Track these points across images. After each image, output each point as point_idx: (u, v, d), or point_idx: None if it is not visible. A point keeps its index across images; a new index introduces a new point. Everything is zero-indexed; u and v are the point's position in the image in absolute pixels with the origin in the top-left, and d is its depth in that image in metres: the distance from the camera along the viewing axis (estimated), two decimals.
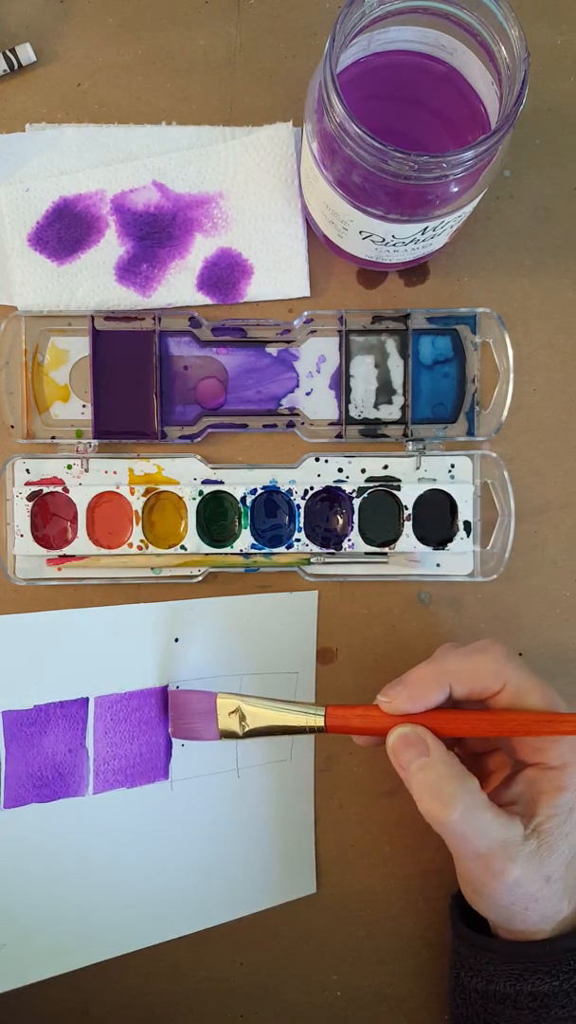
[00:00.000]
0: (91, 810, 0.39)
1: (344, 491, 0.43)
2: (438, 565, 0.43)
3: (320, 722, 0.36)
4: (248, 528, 0.43)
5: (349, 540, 0.43)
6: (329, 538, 0.43)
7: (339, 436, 0.43)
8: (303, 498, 0.43)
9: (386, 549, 0.43)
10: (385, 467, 0.43)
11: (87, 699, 0.39)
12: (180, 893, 0.41)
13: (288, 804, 0.43)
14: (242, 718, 0.38)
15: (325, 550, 0.43)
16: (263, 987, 0.44)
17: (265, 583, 0.43)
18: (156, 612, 0.42)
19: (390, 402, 0.43)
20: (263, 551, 0.43)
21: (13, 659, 0.39)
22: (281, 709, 0.37)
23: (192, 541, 0.42)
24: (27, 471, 0.43)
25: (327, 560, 0.43)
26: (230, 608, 0.42)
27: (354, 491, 0.43)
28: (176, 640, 0.42)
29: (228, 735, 0.38)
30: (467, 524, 0.43)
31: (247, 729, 0.38)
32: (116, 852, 0.40)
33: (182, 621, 0.42)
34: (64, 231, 0.42)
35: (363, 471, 0.43)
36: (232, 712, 0.38)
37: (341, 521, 0.43)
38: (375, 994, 0.44)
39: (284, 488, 0.43)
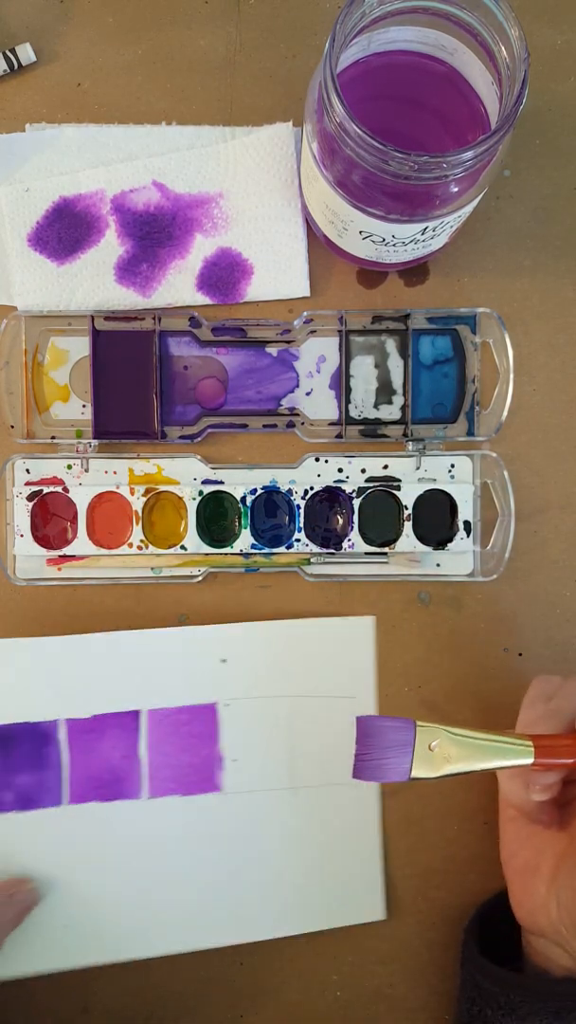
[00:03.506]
0: (147, 812, 0.41)
1: (344, 491, 0.43)
2: (438, 565, 0.43)
3: (528, 756, 0.33)
4: (248, 528, 0.43)
5: (349, 540, 0.43)
6: (329, 538, 0.43)
7: (339, 436, 0.43)
8: (303, 498, 0.43)
9: (386, 549, 0.43)
10: (385, 467, 0.43)
11: (139, 712, 0.41)
12: (235, 901, 0.42)
13: (348, 827, 0.42)
14: (442, 752, 0.33)
15: (325, 550, 0.43)
16: (263, 987, 0.44)
17: (265, 583, 0.43)
18: (203, 635, 0.42)
19: (390, 402, 0.43)
20: (263, 551, 0.43)
21: (75, 674, 0.41)
22: (488, 741, 0.33)
23: (192, 541, 0.42)
24: (27, 471, 0.43)
25: (327, 560, 0.43)
26: (279, 632, 0.42)
27: (354, 491, 0.43)
28: (223, 661, 0.42)
29: (420, 777, 0.33)
30: (467, 524, 0.43)
31: (447, 769, 0.33)
32: (172, 853, 0.41)
33: (230, 643, 0.42)
34: (64, 231, 0.42)
35: (363, 471, 0.43)
36: (431, 745, 0.33)
37: (341, 521, 0.43)
38: (375, 994, 0.44)
39: (284, 488, 0.43)
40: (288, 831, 0.42)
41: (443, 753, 0.33)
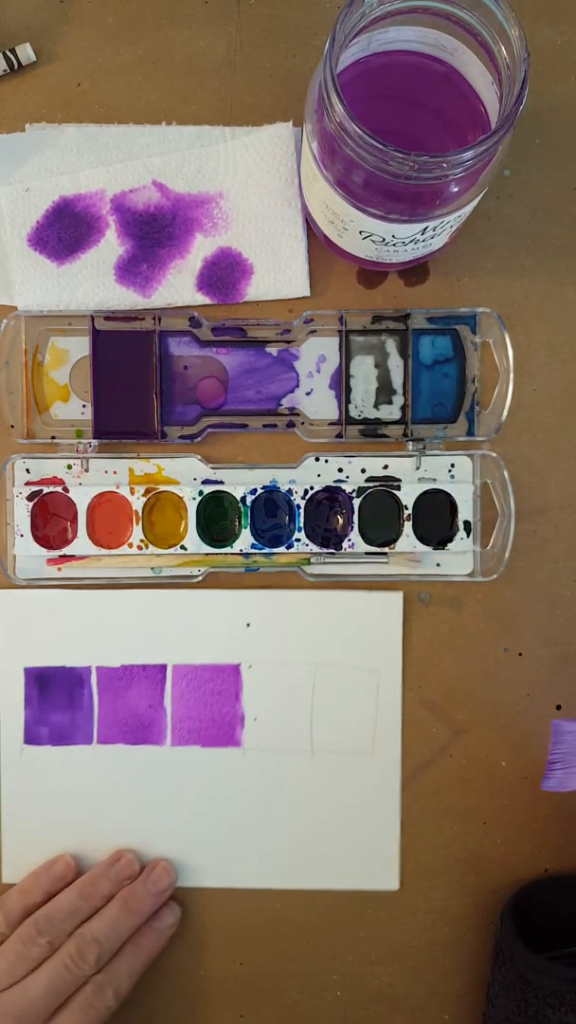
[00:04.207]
0: (170, 758, 0.44)
1: (344, 491, 0.43)
2: (438, 565, 0.43)
3: None
4: (248, 528, 0.43)
5: (349, 540, 0.43)
6: (329, 538, 0.43)
7: (339, 436, 0.43)
8: (303, 498, 0.43)
9: (386, 549, 0.43)
10: (385, 467, 0.43)
11: (165, 665, 0.44)
12: (251, 848, 0.44)
13: (367, 795, 0.43)
14: None
15: (325, 550, 0.43)
16: (263, 987, 0.44)
17: (265, 583, 0.43)
18: (229, 598, 0.44)
19: (390, 402, 0.43)
20: (263, 551, 0.43)
21: (108, 626, 0.44)
22: None
23: (192, 541, 0.42)
24: (27, 471, 0.43)
25: (327, 560, 0.43)
26: (305, 601, 0.43)
27: (354, 491, 0.43)
28: (248, 625, 0.43)
29: None
30: (467, 524, 0.43)
31: None
32: (192, 798, 0.44)
33: (255, 609, 0.43)
34: (64, 231, 0.42)
35: (363, 471, 0.43)
36: None
37: (341, 521, 0.43)
38: (375, 994, 0.44)
39: (284, 488, 0.43)
40: (305, 791, 0.43)
41: None
